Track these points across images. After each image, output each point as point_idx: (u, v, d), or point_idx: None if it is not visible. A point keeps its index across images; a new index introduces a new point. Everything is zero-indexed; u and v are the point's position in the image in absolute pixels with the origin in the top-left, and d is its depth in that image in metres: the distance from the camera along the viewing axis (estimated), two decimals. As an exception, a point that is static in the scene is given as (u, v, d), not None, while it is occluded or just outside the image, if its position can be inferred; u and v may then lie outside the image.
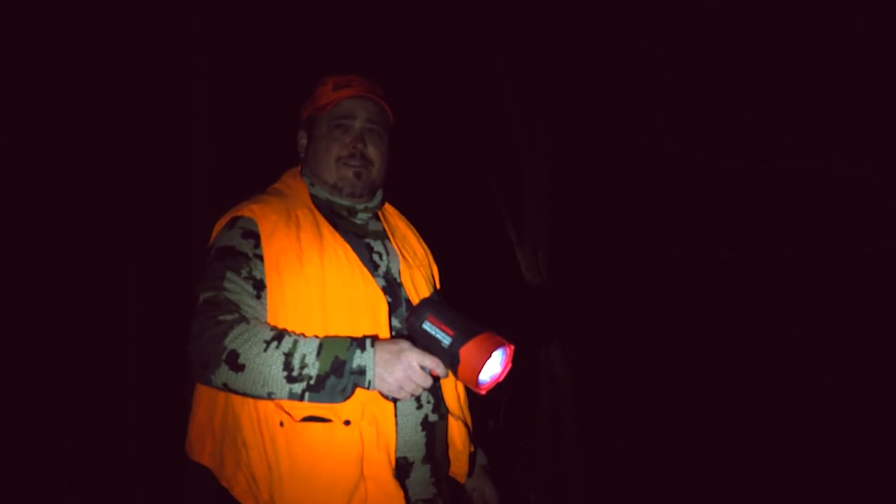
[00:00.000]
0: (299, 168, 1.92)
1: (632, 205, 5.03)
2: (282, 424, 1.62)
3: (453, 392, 1.86)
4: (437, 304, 1.60)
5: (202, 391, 1.75)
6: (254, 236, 1.68)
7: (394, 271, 1.84)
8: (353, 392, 1.57)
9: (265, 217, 1.71)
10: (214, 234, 1.75)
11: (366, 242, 1.84)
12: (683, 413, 4.33)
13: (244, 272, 1.65)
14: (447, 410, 1.84)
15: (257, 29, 4.83)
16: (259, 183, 1.92)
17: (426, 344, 1.57)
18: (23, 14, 3.79)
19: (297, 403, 1.58)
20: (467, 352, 1.53)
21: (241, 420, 1.65)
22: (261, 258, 1.67)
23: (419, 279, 1.87)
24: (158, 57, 4.51)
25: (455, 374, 1.56)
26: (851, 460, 3.14)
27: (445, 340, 1.55)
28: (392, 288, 1.80)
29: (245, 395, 1.56)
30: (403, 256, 1.87)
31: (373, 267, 1.79)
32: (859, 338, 3.49)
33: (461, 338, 1.54)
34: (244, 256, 1.66)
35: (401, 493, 1.64)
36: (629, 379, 4.72)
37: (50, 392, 4.05)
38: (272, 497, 1.61)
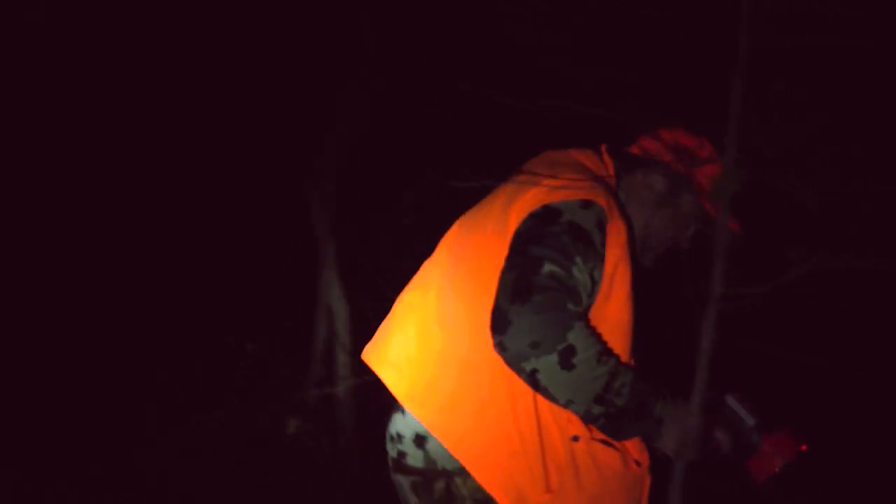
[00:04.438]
0: (608, 166, 1.70)
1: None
2: (576, 439, 1.52)
3: None
4: (733, 381, 1.55)
5: (463, 366, 1.55)
6: (604, 231, 1.50)
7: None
8: (634, 436, 1.52)
9: (613, 217, 1.53)
10: (557, 199, 1.51)
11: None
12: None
13: (590, 266, 1.46)
14: None
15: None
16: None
17: (724, 418, 1.52)
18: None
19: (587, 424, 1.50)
20: (772, 445, 1.50)
21: (522, 417, 1.51)
22: (602, 259, 1.49)
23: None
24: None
25: (740, 456, 1.53)
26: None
27: (748, 421, 1.51)
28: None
29: (545, 393, 1.44)
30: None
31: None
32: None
33: (767, 427, 1.50)
34: (594, 249, 1.47)
35: None
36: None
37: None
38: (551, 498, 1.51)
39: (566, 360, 1.38)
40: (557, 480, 1.51)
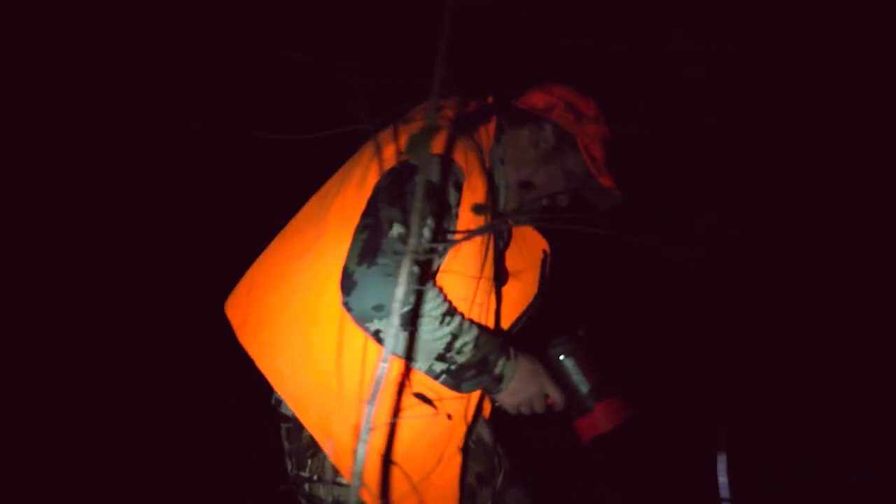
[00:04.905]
0: (493, 125, 1.70)
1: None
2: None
3: None
4: (584, 341, 1.57)
5: (300, 310, 1.55)
6: (459, 190, 1.51)
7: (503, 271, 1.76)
8: (474, 391, 1.55)
9: (469, 175, 1.54)
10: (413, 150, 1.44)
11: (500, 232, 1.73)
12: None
13: (442, 224, 1.48)
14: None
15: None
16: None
17: (558, 377, 1.55)
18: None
19: (422, 376, 1.53)
20: (602, 410, 1.55)
21: (350, 357, 1.51)
22: (457, 216, 1.51)
23: (522, 278, 1.78)
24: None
25: (574, 416, 1.58)
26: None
27: (583, 387, 1.56)
28: (497, 274, 1.67)
29: (391, 349, 1.33)
30: (512, 253, 1.80)
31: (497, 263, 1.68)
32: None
33: (600, 392, 1.55)
34: (447, 208, 1.49)
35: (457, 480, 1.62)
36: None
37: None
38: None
39: (404, 322, 1.41)
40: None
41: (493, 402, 1.63)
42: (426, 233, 1.43)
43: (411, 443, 1.54)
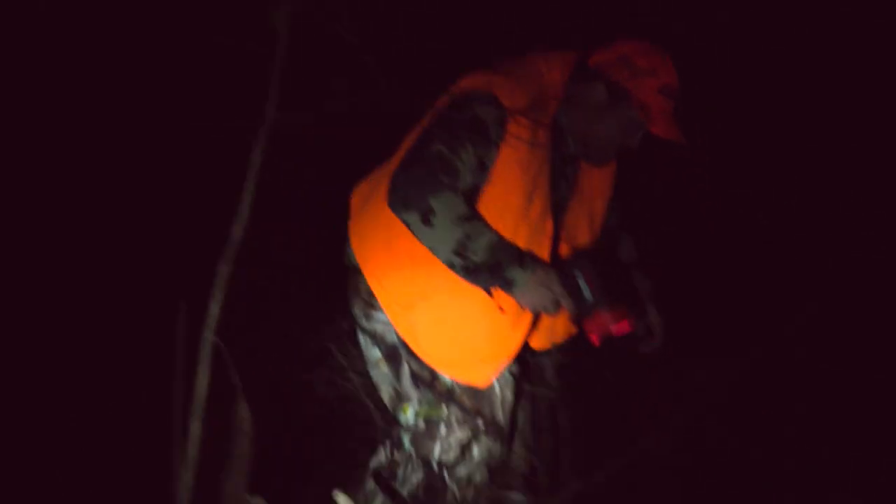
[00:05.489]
0: (565, 80, 1.92)
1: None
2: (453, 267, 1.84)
3: None
4: (593, 261, 1.85)
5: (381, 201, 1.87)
6: (503, 126, 1.79)
7: (564, 203, 2.00)
8: (489, 287, 1.82)
9: (518, 120, 1.81)
10: (478, 86, 1.82)
11: (563, 167, 1.97)
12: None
13: (480, 152, 1.78)
14: None
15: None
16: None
17: (570, 287, 1.83)
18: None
19: None
20: (596, 321, 1.84)
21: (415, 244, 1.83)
22: (498, 148, 1.80)
23: (580, 215, 2.04)
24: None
25: (580, 320, 1.87)
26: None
27: (588, 297, 1.83)
28: (556, 211, 1.97)
29: (417, 237, 1.78)
30: (582, 191, 2.03)
31: (555, 188, 1.95)
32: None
33: (599, 303, 1.83)
34: (488, 140, 1.79)
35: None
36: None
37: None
38: (414, 314, 1.92)
39: (426, 218, 1.74)
40: (419, 295, 1.91)
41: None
42: (463, 155, 1.75)
43: (461, 319, 1.89)
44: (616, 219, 2.19)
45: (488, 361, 1.93)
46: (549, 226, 1.93)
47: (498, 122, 1.79)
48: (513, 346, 1.94)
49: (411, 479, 1.95)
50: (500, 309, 1.87)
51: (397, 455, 1.98)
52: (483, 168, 1.81)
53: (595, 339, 1.89)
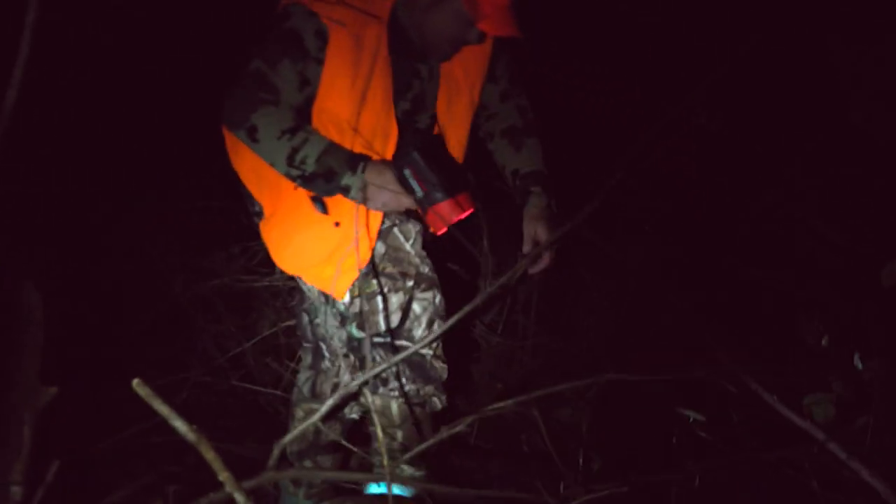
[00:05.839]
0: None
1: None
2: (296, 188, 1.93)
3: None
4: (422, 153, 1.85)
5: None
6: (322, 39, 1.83)
7: (430, 93, 2.05)
8: (328, 195, 1.91)
9: (338, 30, 1.84)
10: (293, 2, 1.85)
11: (414, 66, 2.01)
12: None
13: (299, 66, 1.83)
14: None
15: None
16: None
17: (405, 185, 1.88)
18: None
19: None
20: (432, 213, 1.89)
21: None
22: (321, 63, 1.85)
23: (457, 106, 2.09)
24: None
25: (425, 209, 1.90)
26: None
27: (419, 193, 1.88)
28: (416, 108, 2.04)
29: (254, 152, 1.87)
30: (447, 82, 2.07)
31: (404, 89, 2.00)
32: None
33: (430, 197, 1.87)
34: (306, 53, 1.84)
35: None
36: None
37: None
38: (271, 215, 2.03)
39: (252, 135, 1.83)
40: (271, 209, 2.02)
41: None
42: (281, 70, 1.81)
43: (303, 239, 1.97)
44: (496, 104, 2.21)
45: (341, 272, 1.98)
46: (392, 125, 1.96)
47: (315, 33, 1.82)
48: (361, 256, 1.97)
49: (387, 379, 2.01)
50: (336, 224, 1.95)
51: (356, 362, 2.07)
52: (307, 83, 1.85)
53: (436, 230, 1.94)
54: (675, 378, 2.61)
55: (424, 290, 2.03)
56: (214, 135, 2.05)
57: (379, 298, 2.00)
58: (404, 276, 2.02)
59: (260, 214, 2.09)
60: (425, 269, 2.05)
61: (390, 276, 2.01)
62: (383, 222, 2.03)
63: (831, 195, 3.10)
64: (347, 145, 1.91)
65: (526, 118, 2.22)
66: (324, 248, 1.98)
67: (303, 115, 1.89)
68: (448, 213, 1.89)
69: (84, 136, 3.46)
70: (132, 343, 2.80)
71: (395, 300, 2.00)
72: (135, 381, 1.10)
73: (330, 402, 1.51)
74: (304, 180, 1.87)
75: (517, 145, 2.19)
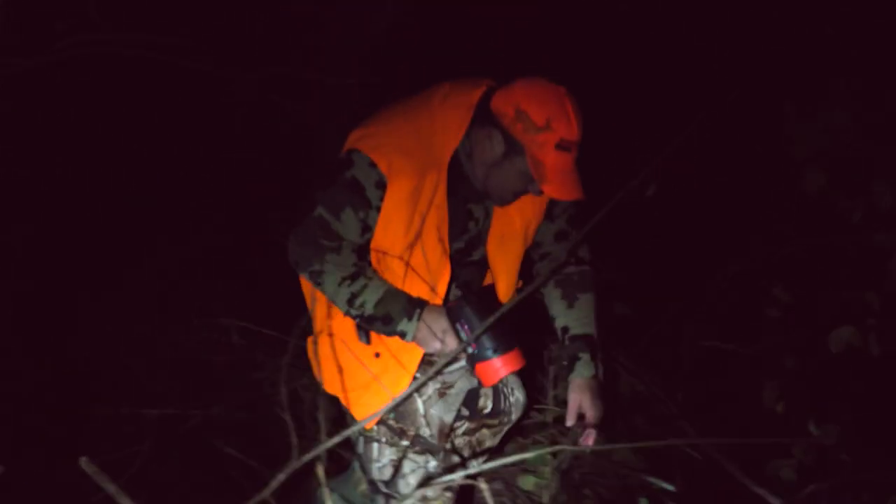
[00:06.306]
0: (467, 120, 1.94)
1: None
2: (345, 314, 1.99)
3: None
4: (475, 308, 1.92)
5: None
6: (382, 189, 1.90)
7: (483, 232, 2.11)
8: (385, 335, 1.98)
9: (398, 179, 1.89)
10: (358, 146, 1.90)
11: (467, 208, 2.06)
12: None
13: (361, 214, 1.91)
14: None
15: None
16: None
17: (464, 327, 1.93)
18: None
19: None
20: (481, 367, 1.94)
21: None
22: (379, 209, 1.92)
23: (509, 244, 2.12)
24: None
25: (475, 363, 1.95)
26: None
27: (469, 349, 1.94)
28: (469, 248, 2.11)
29: (314, 294, 2.01)
30: (500, 219, 2.10)
31: (460, 232, 2.07)
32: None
33: (480, 353, 1.93)
34: (368, 203, 1.91)
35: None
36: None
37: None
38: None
39: (315, 278, 1.94)
40: (320, 327, 2.08)
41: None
42: (343, 217, 1.90)
43: (347, 361, 2.04)
44: (551, 243, 2.19)
45: (374, 394, 2.03)
46: (445, 264, 2.00)
47: (377, 184, 1.89)
48: (394, 385, 2.01)
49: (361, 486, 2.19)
50: (376, 355, 2.02)
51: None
52: (367, 229, 1.94)
53: (484, 383, 1.98)
54: (641, 447, 2.61)
55: (417, 453, 2.07)
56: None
57: (375, 446, 2.07)
58: (402, 433, 2.07)
59: (308, 329, 2.14)
60: (426, 432, 2.07)
61: (390, 428, 2.07)
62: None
63: (790, 264, 3.17)
64: (399, 281, 1.99)
65: (582, 270, 2.17)
66: (363, 375, 2.03)
67: (363, 253, 1.99)
68: (496, 371, 1.94)
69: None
70: (87, 416, 2.72)
71: (388, 454, 2.08)
72: (82, 460, 1.08)
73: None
74: (364, 321, 1.96)
75: (570, 300, 2.13)
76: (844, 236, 2.66)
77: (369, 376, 2.02)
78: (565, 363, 2.09)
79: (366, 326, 1.98)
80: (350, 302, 1.92)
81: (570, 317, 2.11)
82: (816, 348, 2.64)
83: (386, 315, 1.92)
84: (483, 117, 1.92)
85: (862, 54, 2.76)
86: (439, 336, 1.92)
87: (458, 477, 1.79)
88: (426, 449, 2.07)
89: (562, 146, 1.85)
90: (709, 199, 3.67)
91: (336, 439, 1.74)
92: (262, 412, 2.95)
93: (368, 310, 1.92)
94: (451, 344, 1.92)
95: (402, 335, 1.94)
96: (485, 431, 2.25)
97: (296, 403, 2.83)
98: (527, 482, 2.56)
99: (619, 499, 2.50)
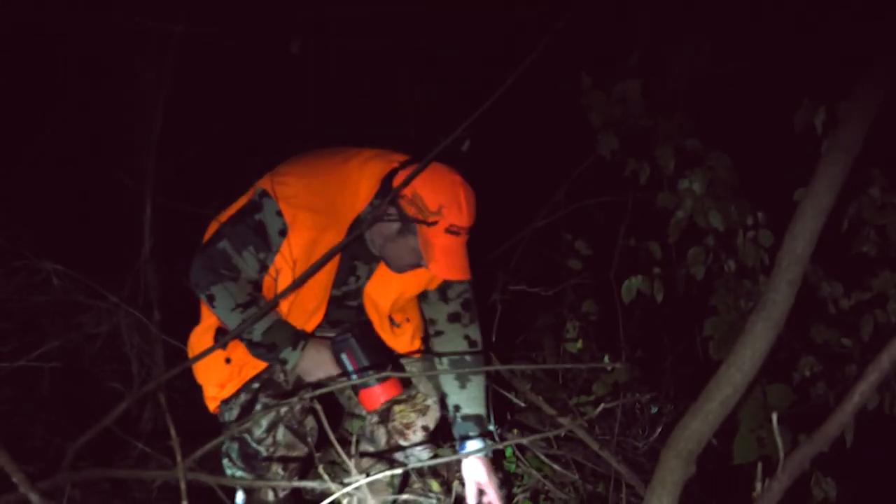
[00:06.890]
0: (370, 190, 2.12)
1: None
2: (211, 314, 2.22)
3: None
4: (359, 341, 2.16)
5: None
6: (284, 235, 2.08)
7: (362, 288, 2.31)
8: (266, 363, 2.18)
9: (299, 230, 2.08)
10: (269, 188, 2.09)
11: (353, 264, 2.26)
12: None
13: (261, 255, 2.10)
14: None
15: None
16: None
17: (341, 366, 2.17)
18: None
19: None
20: (362, 396, 2.21)
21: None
22: (276, 252, 2.10)
23: (380, 296, 2.31)
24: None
25: (358, 389, 2.21)
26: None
27: (353, 376, 2.16)
28: (345, 299, 2.32)
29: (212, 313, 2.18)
30: (378, 279, 2.30)
31: (341, 283, 2.26)
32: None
33: (361, 383, 2.17)
34: (269, 247, 2.10)
35: None
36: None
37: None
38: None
39: (210, 301, 2.12)
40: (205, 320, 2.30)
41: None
42: (245, 254, 2.09)
43: (206, 368, 2.23)
44: (444, 322, 2.38)
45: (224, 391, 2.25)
46: (323, 305, 2.23)
47: (280, 232, 2.08)
48: (234, 384, 2.23)
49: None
50: (227, 361, 2.21)
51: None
52: (265, 268, 2.12)
53: (366, 407, 2.24)
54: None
55: (268, 396, 2.21)
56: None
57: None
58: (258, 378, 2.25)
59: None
60: (280, 378, 2.25)
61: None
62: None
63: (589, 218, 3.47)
64: (285, 311, 2.17)
65: (474, 353, 2.36)
66: (215, 376, 2.22)
67: (258, 284, 2.17)
68: (377, 396, 2.20)
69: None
70: None
71: (243, 397, 2.23)
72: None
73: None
74: (249, 345, 2.14)
75: (462, 381, 2.34)
76: (635, 194, 3.00)
77: (220, 379, 2.22)
78: (456, 437, 2.34)
79: (251, 351, 2.15)
80: (241, 327, 2.05)
81: (462, 397, 2.33)
82: (611, 294, 2.95)
83: (272, 344, 2.11)
84: (386, 192, 2.10)
85: (653, 32, 3.07)
86: (326, 368, 2.15)
87: (295, 401, 2.06)
88: (278, 393, 2.21)
89: (451, 231, 2.04)
90: (520, 159, 3.93)
91: (176, 370, 1.85)
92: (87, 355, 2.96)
93: (256, 337, 2.10)
94: (332, 372, 2.15)
95: (284, 362, 2.14)
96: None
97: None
98: (353, 426, 2.68)
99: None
